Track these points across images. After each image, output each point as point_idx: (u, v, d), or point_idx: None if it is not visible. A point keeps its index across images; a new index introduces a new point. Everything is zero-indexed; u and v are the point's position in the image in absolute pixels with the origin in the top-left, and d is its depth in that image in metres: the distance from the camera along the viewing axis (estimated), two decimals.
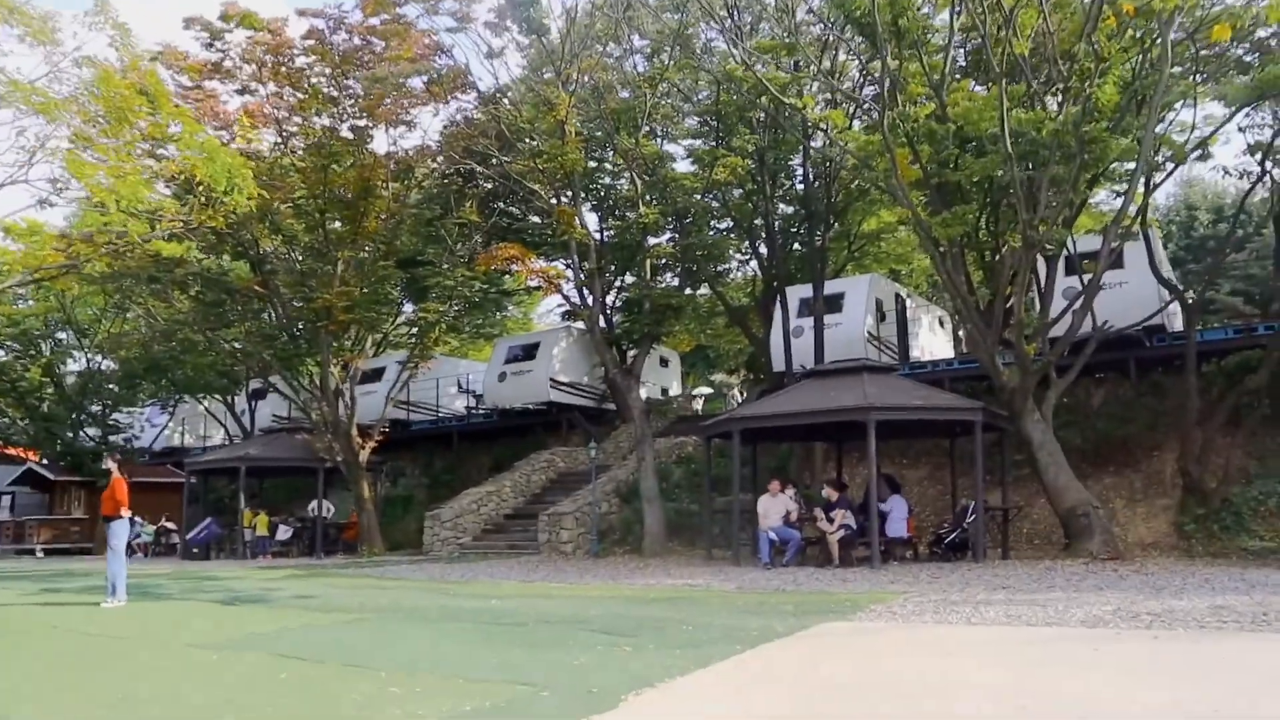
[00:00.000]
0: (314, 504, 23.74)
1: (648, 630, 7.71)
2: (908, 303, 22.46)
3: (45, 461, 28.46)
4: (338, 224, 21.46)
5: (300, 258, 22.51)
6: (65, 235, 19.59)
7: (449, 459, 25.96)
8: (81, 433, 29.27)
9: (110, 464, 11.72)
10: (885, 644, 7.01)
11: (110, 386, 29.47)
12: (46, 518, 28.47)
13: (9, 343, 27.53)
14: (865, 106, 16.27)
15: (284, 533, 23.41)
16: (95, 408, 29.57)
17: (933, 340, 23.24)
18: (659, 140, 19.61)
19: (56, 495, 28.49)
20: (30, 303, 26.94)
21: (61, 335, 28.58)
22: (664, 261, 20.00)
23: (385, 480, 26.09)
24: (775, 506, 14.61)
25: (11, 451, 29.15)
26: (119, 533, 11.12)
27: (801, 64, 16.91)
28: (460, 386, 27.13)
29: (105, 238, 15.47)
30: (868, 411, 13.70)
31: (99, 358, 29.02)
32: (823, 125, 15.07)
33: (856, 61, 17.54)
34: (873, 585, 10.94)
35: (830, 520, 14.05)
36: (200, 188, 14.42)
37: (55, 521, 27.48)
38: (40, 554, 26.85)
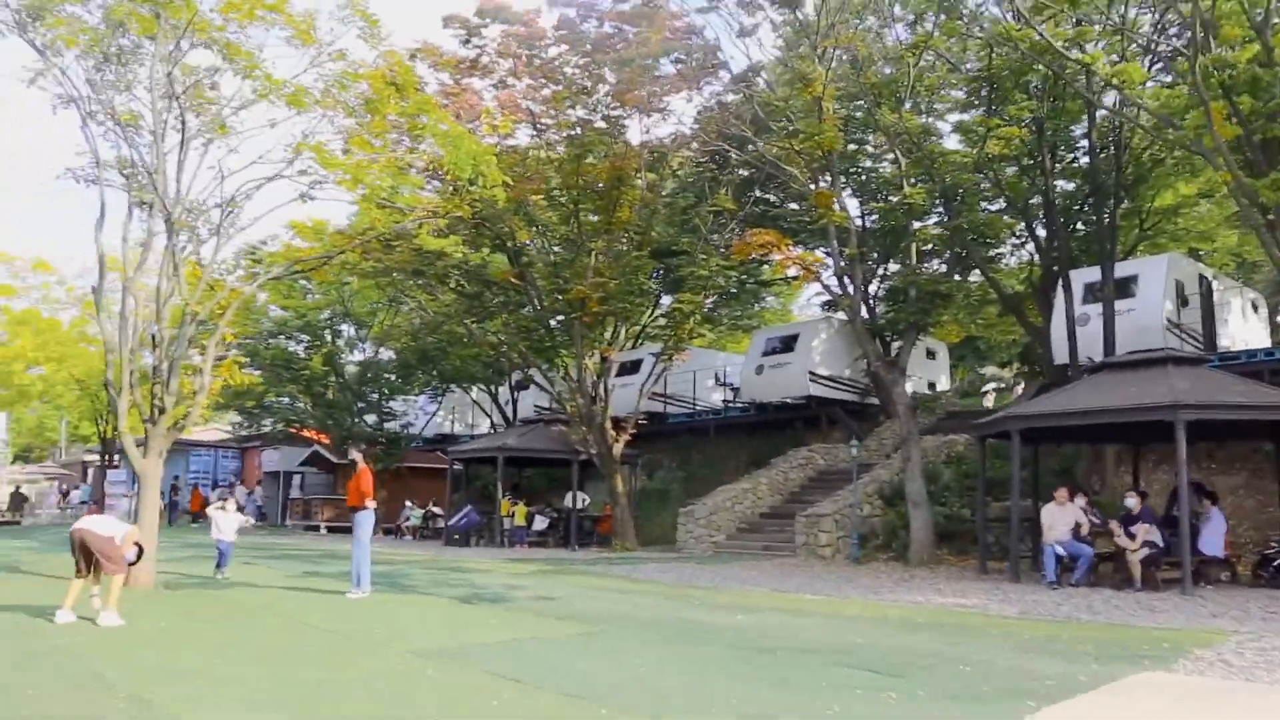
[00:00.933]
0: (570, 495, 25.37)
1: (917, 670, 7.18)
2: (1213, 285, 20.63)
3: (330, 444, 32.32)
4: (591, 215, 22.74)
5: (555, 249, 24.09)
6: (343, 232, 22.23)
7: (705, 453, 26.80)
8: (360, 419, 32.90)
9: (355, 455, 12.51)
10: (1234, 715, 5.92)
11: (386, 376, 32.86)
12: (330, 497, 32.33)
13: (297, 334, 31.41)
14: (1166, 57, 15.12)
15: (540, 523, 25.17)
16: (373, 396, 33.10)
17: (1244, 327, 21.26)
18: (923, 116, 19.19)
19: (339, 476, 32.20)
20: (315, 296, 30.63)
21: (343, 328, 32.23)
22: (930, 246, 19.58)
23: (640, 473, 27.35)
24: (1063, 517, 13.79)
25: (306, 434, 33.20)
26: (364, 524, 11.71)
27: (1085, 21, 15.98)
28: (717, 379, 27.94)
29: (362, 229, 17.27)
30: (1176, 410, 12.52)
31: (376, 348, 32.46)
32: (1116, 81, 14.15)
33: (1151, 16, 16.31)
34: (1189, 618, 9.97)
35: (1131, 535, 12.99)
36: (447, 177, 15.69)
37: (337, 501, 31.04)
38: (324, 530, 30.56)
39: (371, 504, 11.80)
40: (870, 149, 20.62)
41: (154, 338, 12.13)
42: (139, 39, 12.02)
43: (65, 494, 44.51)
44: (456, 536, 25.22)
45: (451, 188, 17.32)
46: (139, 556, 9.50)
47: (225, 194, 12.62)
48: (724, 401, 27.69)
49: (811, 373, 23.69)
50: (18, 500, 36.05)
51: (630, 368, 26.01)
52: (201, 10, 11.59)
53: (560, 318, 24.72)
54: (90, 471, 44.34)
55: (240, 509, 31.30)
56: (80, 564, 8.97)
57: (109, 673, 6.60)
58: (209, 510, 13.15)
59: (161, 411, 11.73)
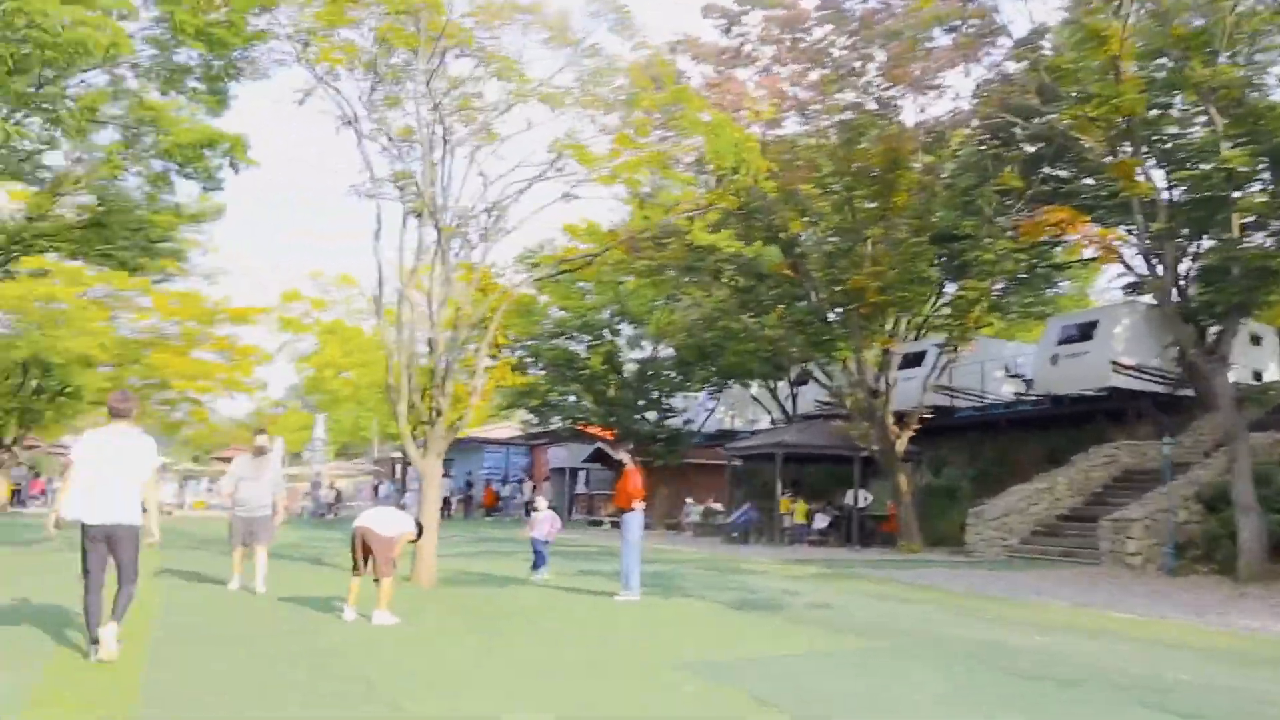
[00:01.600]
0: (851, 493, 25.49)
1: None
2: None
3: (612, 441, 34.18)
4: (866, 201, 22.71)
5: (829, 239, 24.24)
6: (613, 231, 23.53)
7: (995, 449, 26.00)
8: (642, 416, 34.56)
9: (622, 455, 13.03)
10: None
11: (666, 373, 34.32)
12: (612, 493, 34.15)
13: (577, 334, 33.48)
14: None
15: (821, 521, 25.47)
16: (653, 393, 34.66)
17: None
18: (1244, 72, 17.61)
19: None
20: (594, 297, 32.52)
21: (621, 326, 33.96)
22: (1254, 217, 17.96)
23: (925, 470, 26.96)
24: None
25: (591, 431, 35.29)
26: (632, 525, 11.97)
27: None
28: (1007, 371, 26.99)
29: (635, 228, 18.21)
30: None
31: (654, 346, 33.98)
32: None
33: None
34: None
35: None
36: (710, 168, 16.24)
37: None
38: (607, 525, 32.42)
39: (640, 505, 12.13)
40: (1177, 111, 19.16)
41: (430, 342, 13.64)
42: (408, 55, 13.38)
43: (375, 489, 49.81)
44: (735, 534, 26.01)
45: (716, 179, 17.92)
46: (419, 535, 10.31)
47: (492, 199, 13.86)
48: (1015, 394, 26.69)
49: (1113, 362, 22.37)
50: (334, 495, 40.87)
51: (913, 360, 25.68)
52: (455, 17, 12.81)
53: (838, 310, 24.85)
54: (398, 468, 49.35)
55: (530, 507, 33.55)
56: (358, 561, 9.55)
57: (374, 675, 6.95)
58: (532, 513, 13.77)
59: (438, 414, 13.17)
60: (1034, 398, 25.63)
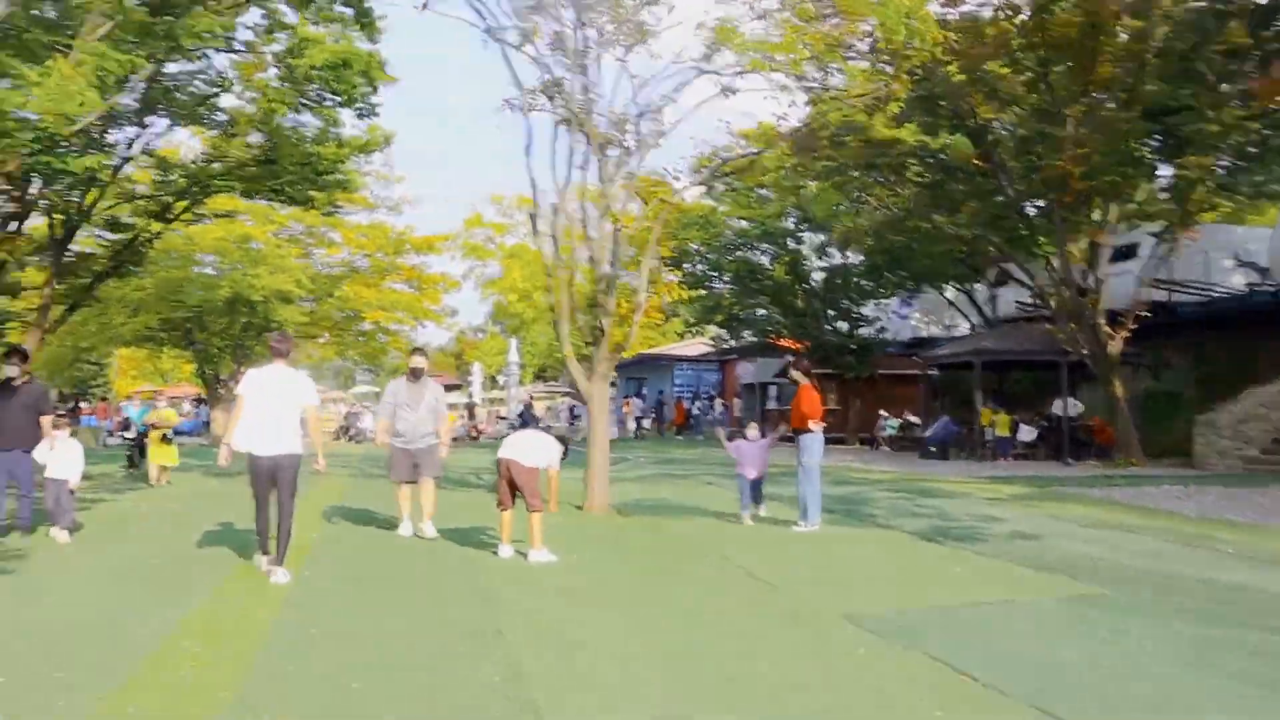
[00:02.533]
0: (1059, 402, 23.90)
1: None
2: None
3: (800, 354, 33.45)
4: (1064, 78, 20.78)
5: (1024, 122, 22.38)
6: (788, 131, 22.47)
7: (1225, 348, 23.64)
8: (831, 327, 33.61)
9: (796, 373, 11.81)
10: None
11: (855, 280, 33.12)
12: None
13: (760, 244, 32.66)
14: None
15: (1027, 434, 24.06)
16: (842, 302, 33.59)
17: None
18: None
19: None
20: (773, 204, 31.53)
21: (804, 234, 32.91)
22: None
23: (1143, 375, 24.96)
24: None
25: (783, 344, 34.64)
26: (808, 448, 11.12)
27: None
28: (1238, 259, 24.38)
29: (814, 124, 17.18)
30: None
31: (841, 253, 32.78)
32: None
33: None
34: None
35: None
36: (879, 45, 15.03)
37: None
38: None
39: (817, 426, 11.17)
40: None
41: (590, 259, 13.34)
42: None
43: (572, 410, 50.85)
44: (933, 449, 24.94)
45: (890, 61, 16.65)
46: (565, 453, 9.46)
47: (647, 102, 13.30)
48: (1248, 285, 24.08)
49: None
50: (525, 417, 41.93)
51: (1125, 253, 23.57)
52: None
53: (1037, 201, 23.06)
54: None
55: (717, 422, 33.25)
56: (504, 495, 9.16)
57: (508, 629, 6.46)
58: (728, 442, 12.19)
59: (602, 333, 12.90)
60: (1271, 288, 23.06)
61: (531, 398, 48.47)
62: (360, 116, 17.18)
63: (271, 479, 8.07)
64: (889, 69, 15.44)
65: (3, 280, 19.08)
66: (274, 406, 8.08)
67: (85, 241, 21.88)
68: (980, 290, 31.08)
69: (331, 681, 5.30)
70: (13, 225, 18.76)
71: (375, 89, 15.76)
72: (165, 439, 16.73)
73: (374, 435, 35.59)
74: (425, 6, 13.12)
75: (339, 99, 16.41)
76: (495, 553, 9.28)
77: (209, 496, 14.65)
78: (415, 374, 10.61)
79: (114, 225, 20.21)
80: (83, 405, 44.99)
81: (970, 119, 21.51)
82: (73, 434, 10.78)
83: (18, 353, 10.73)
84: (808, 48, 12.85)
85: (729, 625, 6.74)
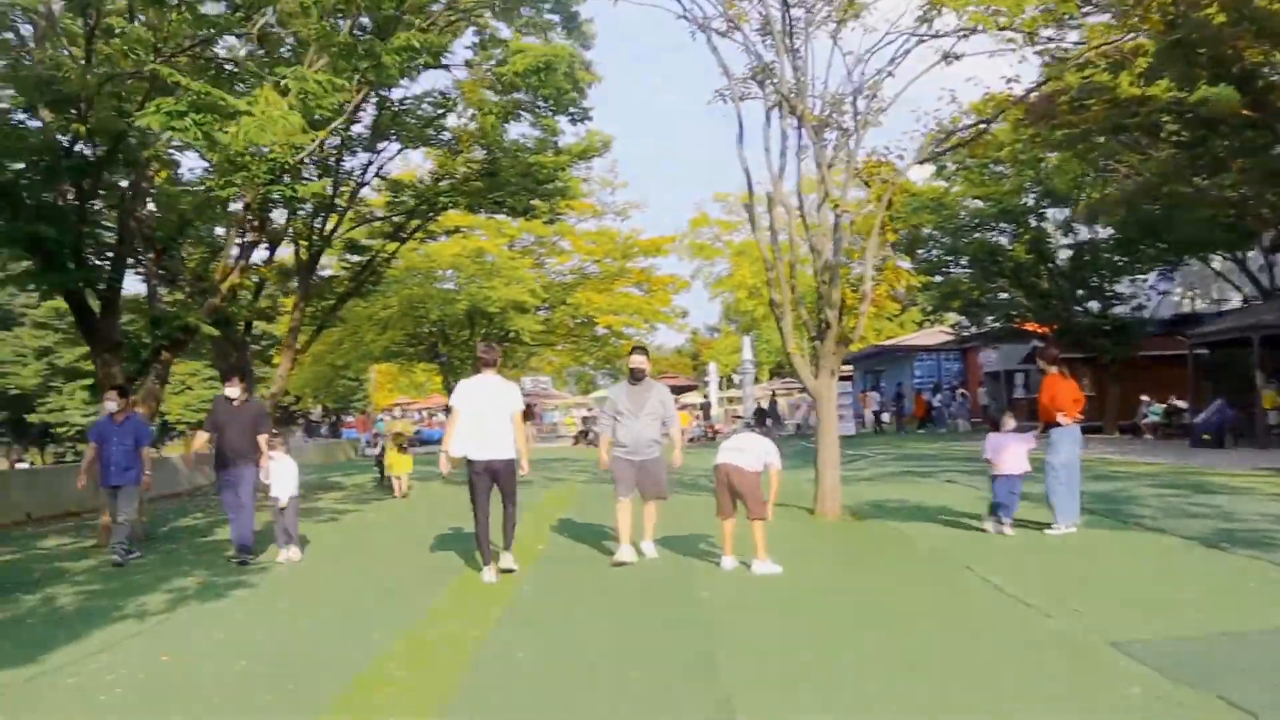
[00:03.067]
0: None
1: None
2: None
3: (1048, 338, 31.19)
4: None
5: None
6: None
7: None
8: (1081, 308, 31.19)
9: (1042, 361, 10.79)
10: None
11: (1106, 256, 30.60)
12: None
13: (998, 224, 30.72)
14: None
15: None
16: (1093, 280, 31.11)
17: None
18: None
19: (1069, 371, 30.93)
20: (1010, 180, 29.55)
21: (1046, 210, 30.70)
22: None
23: None
24: None
25: (1029, 328, 32.57)
26: (1059, 444, 10.05)
27: None
28: None
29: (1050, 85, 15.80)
30: None
31: (1089, 227, 30.35)
32: None
33: None
34: None
35: None
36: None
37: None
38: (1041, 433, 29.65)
39: (1066, 419, 10.03)
40: None
41: (811, 247, 12.67)
42: None
43: (814, 408, 49.80)
44: (1206, 437, 22.56)
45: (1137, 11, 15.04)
46: None
47: (861, 78, 12.52)
48: None
49: None
50: (761, 415, 41.38)
51: None
52: None
53: None
54: None
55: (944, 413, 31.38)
56: (724, 503, 8.68)
57: (725, 655, 5.94)
58: (989, 437, 10.66)
59: (827, 326, 12.23)
60: None
61: (775, 394, 47.95)
62: (573, 121, 17.28)
63: (491, 482, 8.63)
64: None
65: (260, 306, 20.51)
66: (485, 414, 8.56)
67: (329, 265, 23.25)
68: (1254, 258, 27.98)
69: (530, 715, 5.04)
70: (264, 254, 20.18)
71: (583, 92, 15.75)
72: (401, 449, 17.35)
73: None
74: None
75: (549, 104, 16.51)
76: (718, 564, 8.83)
77: (446, 505, 15.01)
78: (636, 376, 9.49)
79: (353, 248, 21.31)
80: (345, 419, 48.23)
81: (1235, 64, 19.24)
82: (282, 450, 10.77)
83: (238, 372, 11.14)
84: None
85: (975, 654, 5.88)
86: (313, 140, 12.18)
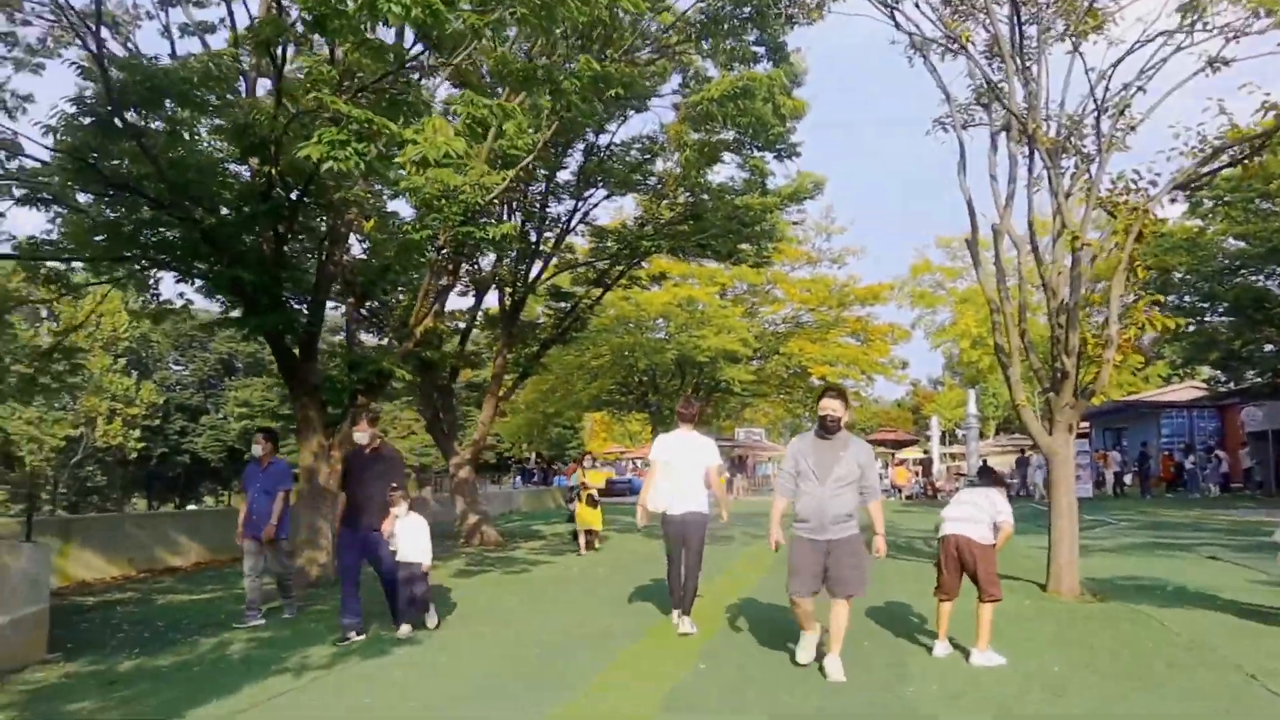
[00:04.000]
0: None
1: None
2: None
3: None
4: None
5: None
6: None
7: None
8: None
9: None
10: None
11: None
12: None
13: (1263, 265, 27.55)
14: None
15: None
16: None
17: None
18: None
19: None
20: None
21: None
22: None
23: None
24: None
25: None
26: None
27: None
28: None
29: None
30: None
31: None
32: None
33: None
34: None
35: None
36: None
37: None
38: None
39: None
40: None
41: (1045, 286, 11.26)
42: None
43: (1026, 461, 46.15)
44: None
45: None
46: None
47: (1105, 95, 11.10)
48: None
49: None
50: (987, 472, 38.68)
51: None
52: None
53: None
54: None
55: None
56: (949, 583, 7.58)
57: None
58: None
59: (1063, 376, 10.77)
60: None
61: (984, 459, 45.08)
62: (780, 158, 16.46)
63: (681, 536, 8.57)
64: None
65: (466, 352, 20.65)
66: (682, 468, 8.62)
67: (530, 314, 23.29)
68: None
69: None
70: (469, 302, 20.36)
71: (785, 122, 14.92)
72: (592, 501, 16.25)
73: None
74: (821, 7, 11.95)
75: (751, 140, 15.79)
76: (929, 650, 7.65)
77: (634, 561, 14.37)
78: (827, 427, 6.97)
79: (557, 294, 21.19)
80: (556, 466, 48.78)
81: None
82: (404, 504, 8.96)
83: (366, 413, 9.38)
84: None
85: None
86: (502, 180, 11.97)
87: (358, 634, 8.67)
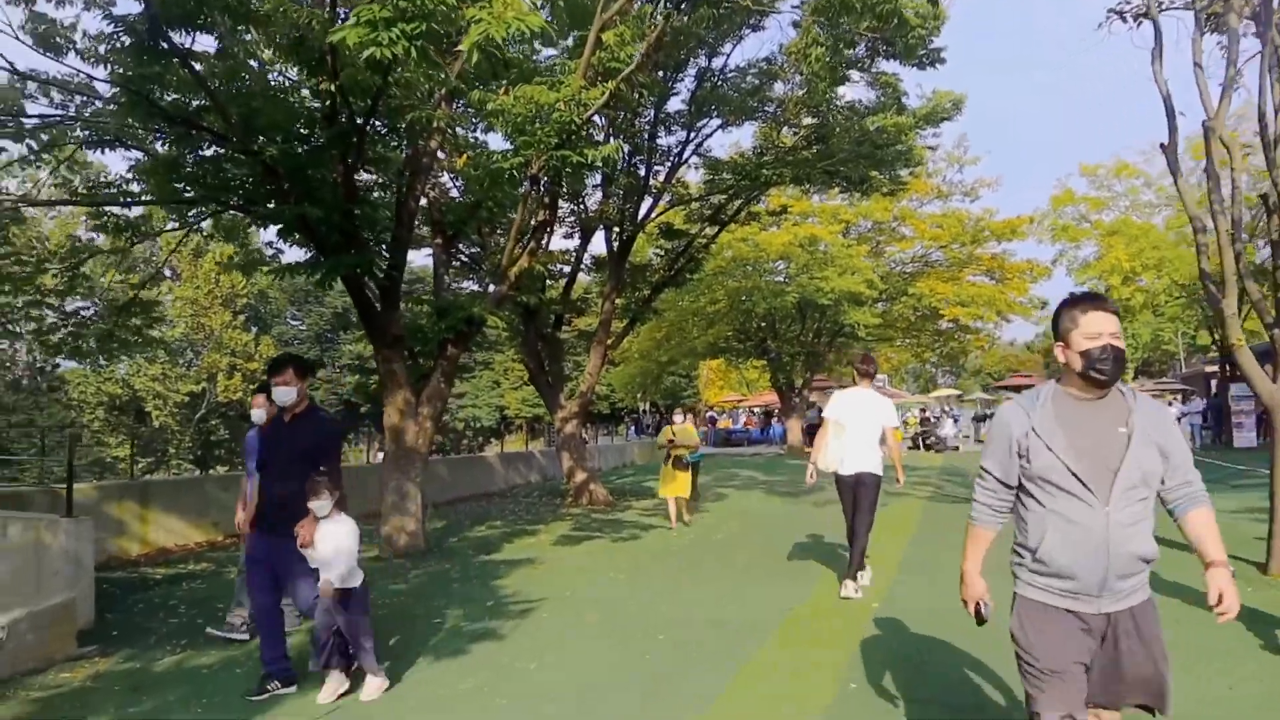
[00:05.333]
0: None
1: None
2: None
3: None
4: None
5: None
6: None
7: None
8: None
9: None
10: None
11: None
12: None
13: None
14: None
15: None
16: None
17: None
18: None
19: None
20: None
21: None
22: None
23: None
24: None
25: None
26: None
27: None
28: None
29: None
30: None
31: None
32: None
33: None
34: None
35: None
36: None
37: None
38: None
39: None
40: None
41: (1265, 199, 9.16)
42: None
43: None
44: None
45: None
46: None
47: None
48: None
49: None
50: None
51: None
52: None
53: None
54: (1213, 384, 42.11)
55: None
56: None
57: None
58: None
59: None
60: None
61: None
62: (920, 66, 14.39)
63: (853, 497, 8.25)
64: None
65: (571, 299, 19.24)
66: (858, 427, 8.27)
67: (641, 256, 21.74)
68: None
69: None
70: (575, 243, 18.92)
71: (926, 21, 12.87)
72: (682, 463, 13.25)
73: (955, 444, 31.94)
74: None
75: (887, 45, 13.81)
76: None
77: (750, 527, 12.82)
78: (1100, 370, 4.82)
79: (669, 233, 19.56)
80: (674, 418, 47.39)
81: None
82: (329, 499, 5.76)
83: (293, 364, 6.09)
84: None
85: None
86: (602, 94, 10.40)
87: (284, 684, 6.00)
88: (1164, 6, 9.84)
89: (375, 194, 12.58)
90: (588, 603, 8.36)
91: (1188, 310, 34.80)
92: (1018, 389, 51.45)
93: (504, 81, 10.50)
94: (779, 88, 17.87)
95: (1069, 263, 32.54)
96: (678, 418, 14.07)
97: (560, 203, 18.55)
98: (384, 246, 11.51)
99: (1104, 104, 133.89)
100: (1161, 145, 9.78)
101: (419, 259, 35.66)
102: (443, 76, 9.87)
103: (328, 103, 9.45)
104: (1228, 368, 32.26)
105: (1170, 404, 35.80)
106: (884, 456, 8.47)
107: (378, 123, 10.01)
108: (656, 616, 7.71)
